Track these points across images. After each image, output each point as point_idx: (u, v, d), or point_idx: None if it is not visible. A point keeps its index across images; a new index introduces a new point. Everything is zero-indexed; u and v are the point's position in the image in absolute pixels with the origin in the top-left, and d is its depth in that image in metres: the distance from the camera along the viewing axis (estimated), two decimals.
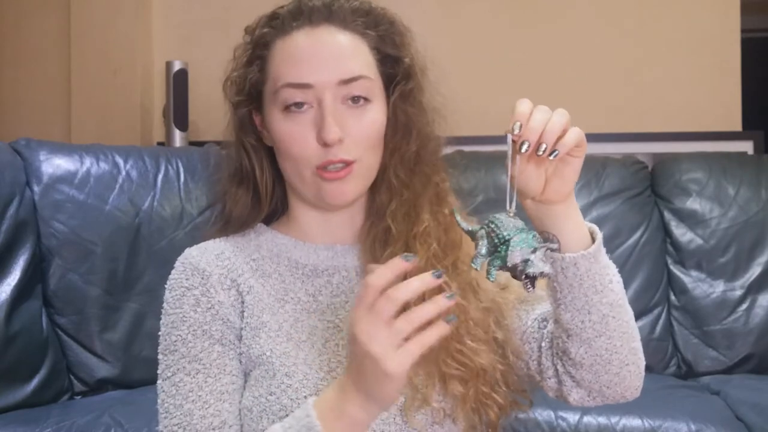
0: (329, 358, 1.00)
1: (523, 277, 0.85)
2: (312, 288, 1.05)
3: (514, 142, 0.87)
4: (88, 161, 2.06)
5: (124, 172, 2.08)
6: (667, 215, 2.28)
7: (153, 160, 2.14)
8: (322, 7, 1.03)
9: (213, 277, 1.02)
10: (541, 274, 0.85)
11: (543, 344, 1.03)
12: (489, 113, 2.90)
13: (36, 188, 1.98)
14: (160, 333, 1.02)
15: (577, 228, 0.95)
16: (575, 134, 0.87)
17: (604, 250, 0.96)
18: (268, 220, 1.12)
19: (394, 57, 1.05)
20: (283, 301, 1.03)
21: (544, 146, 0.86)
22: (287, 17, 1.04)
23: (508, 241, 0.85)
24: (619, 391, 1.00)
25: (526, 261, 0.84)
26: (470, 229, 0.93)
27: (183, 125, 2.75)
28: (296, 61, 1.01)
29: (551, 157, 0.87)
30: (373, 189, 1.06)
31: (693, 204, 2.27)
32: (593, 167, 2.33)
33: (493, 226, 0.87)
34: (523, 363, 1.05)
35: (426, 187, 1.05)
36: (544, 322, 1.04)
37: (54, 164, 2.02)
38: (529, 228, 0.88)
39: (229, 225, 1.09)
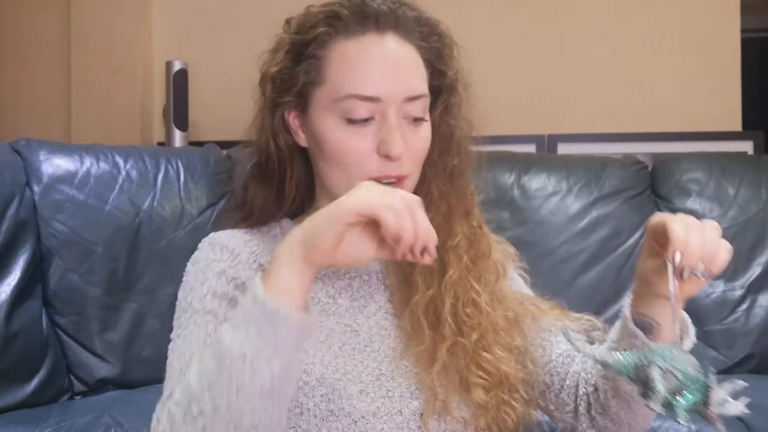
0: (345, 361, 0.99)
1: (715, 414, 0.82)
2: (332, 290, 1.04)
3: (673, 266, 0.86)
4: (88, 161, 2.06)
5: (124, 172, 2.08)
6: None
7: (153, 160, 2.14)
8: (389, 13, 1.00)
9: (242, 256, 1.01)
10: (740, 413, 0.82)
11: (568, 382, 1.03)
12: (489, 113, 2.91)
13: (36, 188, 1.98)
14: (177, 302, 1.01)
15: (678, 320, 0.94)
16: (727, 253, 0.86)
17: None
18: (295, 215, 1.10)
19: (441, 71, 1.04)
20: None
21: (701, 267, 0.85)
22: (352, 19, 0.99)
23: (699, 380, 0.81)
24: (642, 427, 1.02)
25: (723, 401, 0.82)
26: (628, 362, 0.83)
27: (183, 125, 2.75)
28: (365, 70, 0.97)
29: (704, 277, 0.86)
30: None
31: (693, 204, 2.27)
32: (593, 167, 2.32)
33: (666, 362, 0.82)
34: (540, 384, 1.05)
35: (461, 200, 1.05)
36: (569, 359, 1.04)
37: (54, 164, 2.02)
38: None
39: (251, 217, 1.08)
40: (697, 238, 0.85)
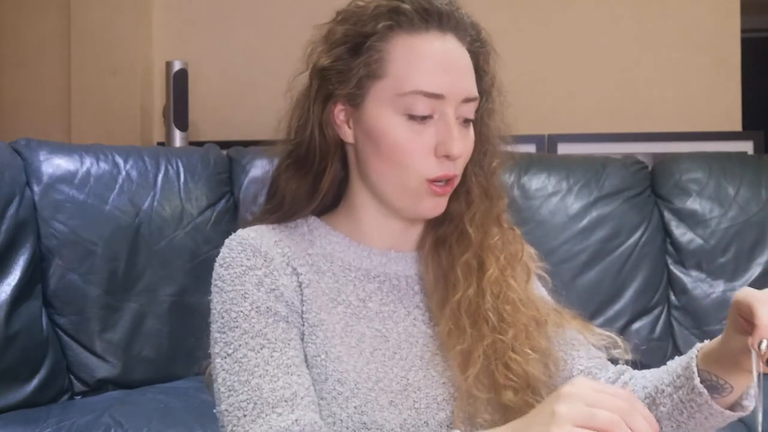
0: (377, 367, 0.98)
1: None
2: (363, 293, 1.03)
3: (758, 354, 0.84)
4: (88, 161, 2.06)
5: (124, 172, 2.08)
6: (667, 215, 2.28)
7: (153, 160, 2.14)
8: (450, 14, 1.00)
9: (275, 261, 0.98)
10: None
11: None
12: None
13: (36, 188, 1.98)
14: (215, 310, 0.97)
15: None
16: None
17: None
18: (319, 212, 1.08)
19: (482, 75, 1.05)
20: (335, 302, 1.00)
21: None
22: (415, 15, 0.98)
23: None
24: None
25: None
26: None
27: (183, 125, 2.75)
28: (430, 67, 0.97)
29: None
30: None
31: (693, 204, 2.27)
32: (593, 167, 2.32)
33: None
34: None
35: (498, 201, 1.06)
36: (590, 376, 1.04)
37: (54, 164, 2.02)
38: None
39: (280, 211, 1.05)
40: None
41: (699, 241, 2.24)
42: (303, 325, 0.97)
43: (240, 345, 0.93)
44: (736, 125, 2.80)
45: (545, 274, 1.13)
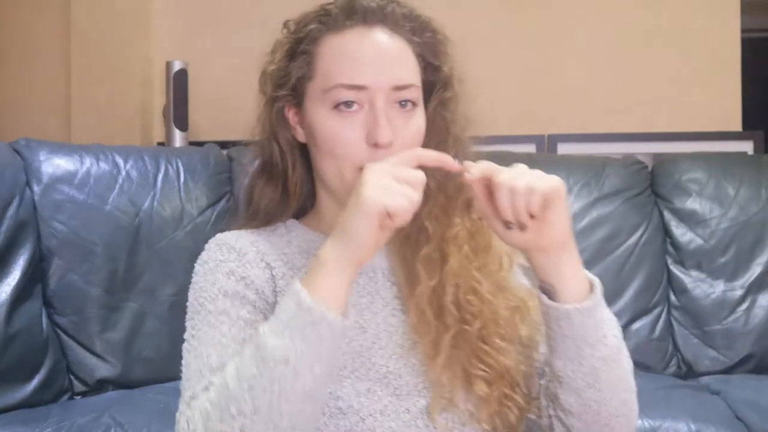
0: (353, 357, 1.00)
1: None
2: None
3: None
4: (88, 161, 2.06)
5: (124, 172, 2.08)
6: (667, 215, 2.28)
7: (153, 160, 2.14)
8: (377, 9, 1.03)
9: (249, 255, 1.03)
10: None
11: (542, 382, 1.04)
12: (490, 113, 2.90)
13: (36, 188, 1.98)
14: (188, 303, 1.01)
15: (575, 278, 0.97)
16: (536, 195, 0.90)
17: (603, 303, 0.97)
18: (299, 215, 1.12)
19: (435, 66, 1.07)
20: None
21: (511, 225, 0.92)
22: (340, 14, 1.03)
23: None
24: None
25: None
26: None
27: (183, 125, 2.75)
28: (352, 61, 1.01)
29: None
30: None
31: (693, 204, 2.27)
32: (593, 167, 2.32)
33: None
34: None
35: (459, 192, 1.06)
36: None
37: (54, 164, 2.02)
38: None
39: (257, 218, 1.10)
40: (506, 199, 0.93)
41: (699, 241, 2.24)
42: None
43: (203, 324, 0.97)
44: (736, 125, 2.80)
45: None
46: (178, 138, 2.74)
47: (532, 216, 0.90)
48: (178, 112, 2.74)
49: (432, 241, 1.04)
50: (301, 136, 1.07)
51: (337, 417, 0.97)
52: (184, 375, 0.97)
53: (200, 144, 2.53)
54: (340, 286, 0.89)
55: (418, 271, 1.03)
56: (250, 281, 1.00)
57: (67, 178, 2.02)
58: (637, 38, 2.83)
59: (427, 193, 1.03)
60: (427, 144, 1.04)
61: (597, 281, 0.98)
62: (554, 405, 1.00)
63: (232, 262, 1.02)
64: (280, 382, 0.85)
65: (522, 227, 0.92)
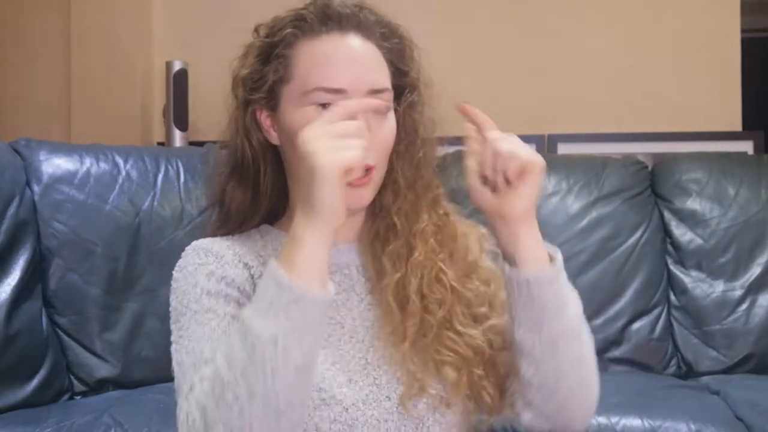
0: (332, 351, 1.04)
1: None
2: None
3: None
4: (88, 161, 2.06)
5: (124, 172, 2.08)
6: (667, 215, 2.28)
7: (153, 160, 2.14)
8: (351, 15, 1.06)
9: (226, 257, 1.05)
10: None
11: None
12: (489, 113, 2.90)
13: (36, 188, 1.98)
14: (170, 309, 1.04)
15: (535, 249, 1.00)
16: (516, 161, 0.95)
17: (564, 276, 1.01)
18: (272, 220, 1.14)
19: (403, 70, 1.10)
20: None
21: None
22: (315, 20, 1.06)
23: None
24: (566, 420, 1.04)
25: None
26: None
27: (183, 125, 2.75)
28: (330, 65, 1.03)
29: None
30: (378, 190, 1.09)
31: (693, 204, 2.27)
32: (593, 167, 2.32)
33: None
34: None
35: (426, 190, 1.10)
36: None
37: (54, 164, 2.02)
38: None
39: (229, 221, 1.12)
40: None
41: (699, 241, 2.24)
42: None
43: (191, 323, 1.00)
44: (736, 125, 2.80)
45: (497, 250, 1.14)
46: (178, 138, 2.75)
47: (507, 181, 0.96)
48: (178, 112, 2.75)
49: (400, 237, 1.07)
50: (274, 139, 1.08)
51: (321, 408, 0.99)
52: (177, 373, 0.99)
53: (200, 144, 2.53)
54: (317, 258, 0.90)
55: (384, 265, 1.07)
56: (230, 280, 1.02)
57: (67, 178, 2.02)
58: (637, 38, 2.83)
59: (397, 191, 1.08)
60: (397, 145, 1.07)
61: (558, 255, 1.01)
62: (516, 378, 1.03)
63: (210, 264, 1.04)
64: (272, 362, 0.87)
65: (494, 188, 0.97)
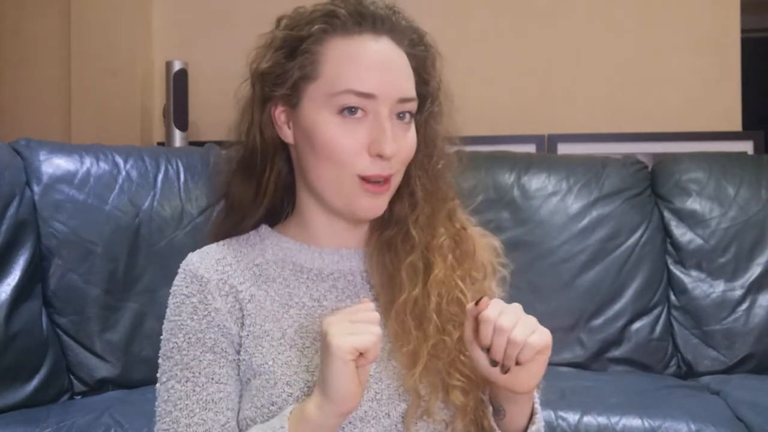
0: None
1: None
2: (317, 293, 1.05)
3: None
4: (88, 161, 2.06)
5: (124, 172, 2.08)
6: (667, 215, 2.28)
7: (153, 160, 2.14)
8: (386, 18, 1.02)
9: (211, 284, 1.02)
10: None
11: None
12: (490, 113, 2.91)
13: (36, 188, 1.98)
14: (161, 337, 1.03)
15: (525, 411, 1.02)
16: (530, 350, 0.93)
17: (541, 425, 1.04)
18: (273, 222, 1.11)
19: (425, 79, 1.06)
20: (287, 306, 1.03)
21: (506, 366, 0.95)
22: (349, 18, 1.01)
23: None
24: None
25: None
26: None
27: (183, 125, 2.75)
28: (362, 68, 0.99)
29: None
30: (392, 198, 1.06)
31: (693, 204, 2.27)
32: (593, 167, 2.32)
33: None
34: None
35: (443, 202, 1.07)
36: None
37: (54, 164, 2.02)
38: None
39: (231, 214, 1.09)
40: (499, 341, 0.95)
41: (699, 241, 2.24)
42: (246, 338, 1.01)
43: (171, 375, 1.01)
44: (736, 125, 2.80)
45: (504, 270, 1.13)
46: (178, 138, 2.74)
47: (518, 363, 0.93)
48: (178, 112, 2.74)
49: (417, 250, 1.04)
50: (287, 137, 1.04)
51: None
52: (156, 415, 1.01)
53: (200, 144, 2.53)
54: None
55: (401, 280, 1.03)
56: (211, 318, 1.01)
57: (67, 178, 2.02)
58: (637, 38, 2.83)
59: (414, 202, 1.05)
60: (417, 153, 1.04)
61: (539, 416, 1.03)
62: None
63: (194, 297, 1.02)
64: None
65: (506, 370, 0.94)
